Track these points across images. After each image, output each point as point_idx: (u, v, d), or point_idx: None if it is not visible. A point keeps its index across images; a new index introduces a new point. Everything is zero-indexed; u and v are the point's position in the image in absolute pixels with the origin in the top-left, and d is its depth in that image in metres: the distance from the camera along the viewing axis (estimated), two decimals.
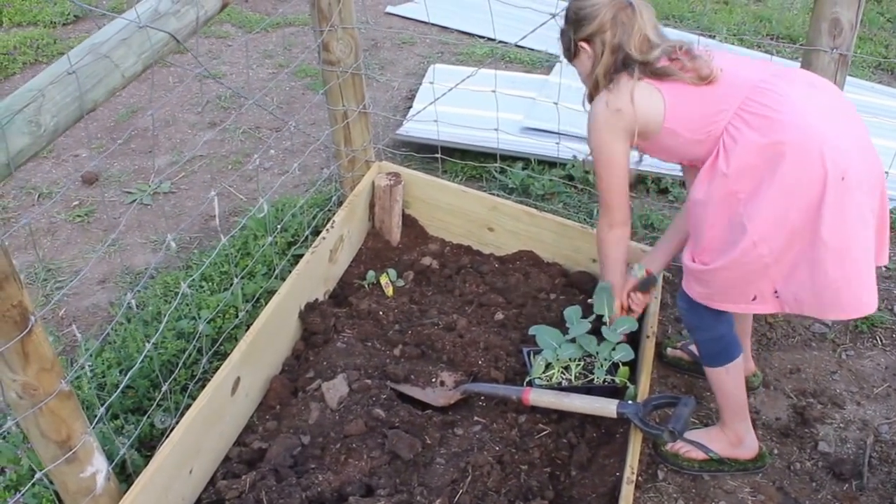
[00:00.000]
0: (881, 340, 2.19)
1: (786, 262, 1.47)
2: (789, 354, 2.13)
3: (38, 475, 1.38)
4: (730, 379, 1.70)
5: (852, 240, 1.44)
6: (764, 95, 1.48)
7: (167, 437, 1.59)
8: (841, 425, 1.94)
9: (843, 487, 1.79)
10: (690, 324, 1.73)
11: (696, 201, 1.54)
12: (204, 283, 2.31)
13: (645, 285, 1.87)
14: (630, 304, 1.89)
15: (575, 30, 1.61)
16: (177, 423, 1.63)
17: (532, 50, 3.74)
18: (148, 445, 1.80)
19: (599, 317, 1.90)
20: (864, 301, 1.49)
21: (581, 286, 2.21)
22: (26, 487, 1.61)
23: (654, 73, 1.55)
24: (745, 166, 1.46)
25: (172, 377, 1.90)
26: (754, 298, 1.53)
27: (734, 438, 1.77)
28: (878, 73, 3.77)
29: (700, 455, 1.79)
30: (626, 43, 1.56)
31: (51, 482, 1.46)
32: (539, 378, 1.85)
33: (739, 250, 1.47)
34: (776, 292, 1.51)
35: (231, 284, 2.24)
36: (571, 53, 1.66)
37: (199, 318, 2.10)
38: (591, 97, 1.68)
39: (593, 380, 1.85)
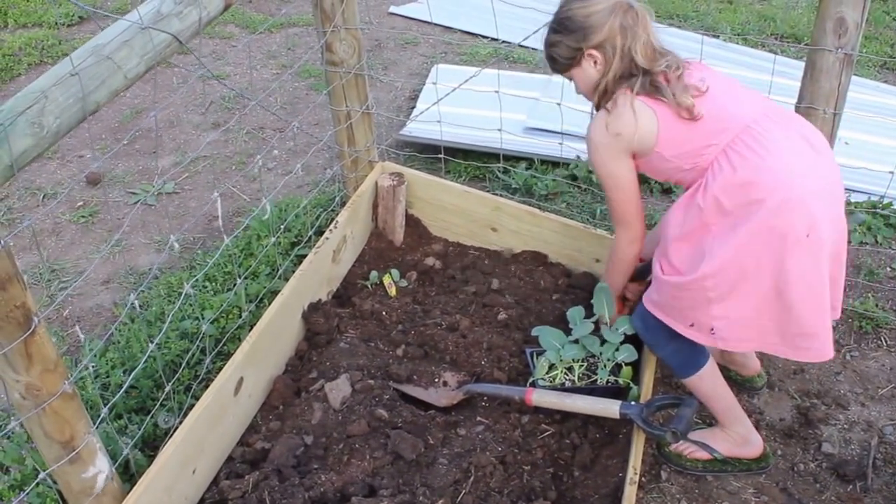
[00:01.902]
0: (886, 341, 2.18)
1: (729, 301, 1.51)
2: None
3: (41, 475, 1.39)
4: (705, 385, 1.72)
5: (820, 294, 1.50)
6: (753, 138, 1.50)
7: (170, 437, 1.59)
8: (845, 426, 1.93)
9: (847, 489, 1.78)
10: (648, 342, 1.78)
11: (672, 222, 1.58)
12: (207, 284, 2.32)
13: (640, 274, 1.88)
14: (626, 294, 1.91)
15: (583, 38, 1.56)
16: (180, 423, 1.63)
17: (535, 50, 3.73)
18: (151, 445, 1.81)
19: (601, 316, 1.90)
20: (824, 351, 1.56)
21: (584, 286, 2.20)
22: (30, 487, 1.62)
23: (652, 87, 1.54)
24: (720, 204, 1.49)
25: (176, 377, 1.90)
26: (692, 325, 1.58)
27: (738, 437, 1.77)
28: (884, 73, 3.75)
29: (704, 455, 1.78)
30: (633, 48, 1.55)
31: (54, 482, 1.46)
32: (542, 379, 1.85)
33: (689, 279, 1.53)
34: (712, 330, 1.56)
35: (234, 285, 2.25)
36: (573, 62, 1.61)
37: (203, 318, 2.10)
38: (598, 106, 1.65)
39: (596, 380, 1.85)
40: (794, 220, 1.44)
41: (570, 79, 1.67)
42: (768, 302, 1.50)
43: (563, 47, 1.60)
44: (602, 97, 1.61)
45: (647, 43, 1.56)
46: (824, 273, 1.50)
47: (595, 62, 1.59)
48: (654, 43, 1.57)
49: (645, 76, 1.55)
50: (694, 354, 1.71)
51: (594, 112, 1.70)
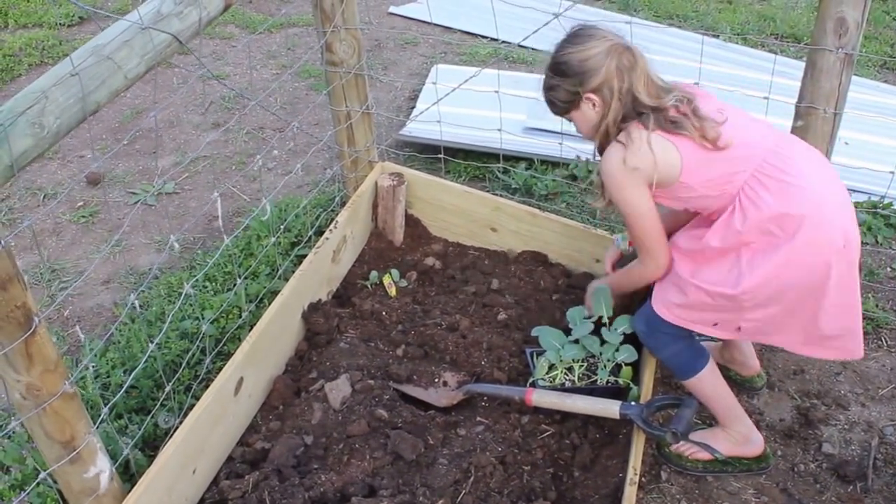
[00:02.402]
0: (886, 342, 2.18)
1: (765, 310, 1.56)
2: (793, 355, 2.12)
3: (42, 475, 1.39)
4: (705, 386, 1.73)
5: (852, 296, 1.56)
6: (781, 161, 1.54)
7: (170, 437, 1.59)
8: (845, 427, 1.93)
9: (847, 489, 1.78)
10: (649, 345, 1.79)
11: (710, 247, 1.58)
12: (207, 284, 2.32)
13: (629, 260, 1.89)
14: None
15: (580, 82, 1.55)
16: (180, 423, 1.63)
17: (535, 50, 3.73)
18: (151, 445, 1.81)
19: (601, 317, 1.90)
20: (858, 349, 1.62)
21: (584, 287, 2.19)
22: (31, 487, 1.62)
23: (668, 122, 1.53)
24: (761, 227, 1.52)
25: (176, 377, 1.90)
26: (715, 324, 1.61)
27: (739, 437, 1.77)
28: (884, 72, 3.75)
29: (705, 456, 1.78)
30: (634, 87, 1.54)
31: (55, 482, 1.46)
32: (542, 379, 1.85)
33: (726, 293, 1.55)
34: (739, 329, 1.60)
35: (234, 285, 2.24)
36: (571, 105, 1.61)
37: (203, 318, 2.10)
38: (601, 147, 1.64)
39: (596, 381, 1.85)
40: (833, 233, 1.50)
41: (570, 120, 1.66)
42: (802, 308, 1.55)
43: (561, 91, 1.60)
44: (604, 139, 1.61)
45: (649, 81, 1.56)
46: (856, 276, 1.55)
47: (594, 105, 1.57)
48: (655, 80, 1.57)
49: (656, 112, 1.53)
50: (694, 357, 1.72)
51: (596, 153, 1.69)
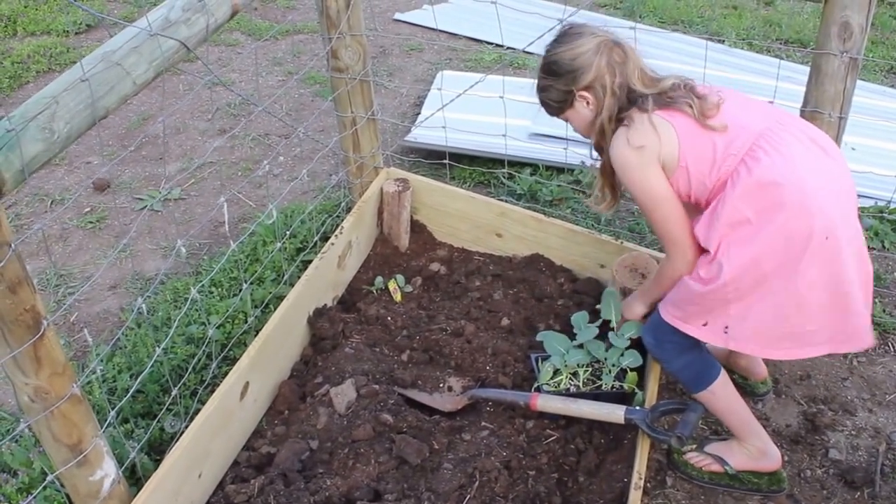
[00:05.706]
0: (893, 347, 2.17)
1: (747, 302, 1.50)
2: (800, 360, 2.11)
3: (49, 478, 1.40)
4: (718, 399, 1.68)
5: (828, 293, 1.49)
6: (768, 143, 1.48)
7: (177, 441, 1.60)
8: (852, 432, 1.92)
9: (854, 495, 1.77)
10: (658, 357, 1.75)
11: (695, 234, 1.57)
12: (213, 289, 2.33)
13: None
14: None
15: (572, 80, 1.55)
16: (186, 427, 1.64)
17: (540, 56, 3.74)
18: (157, 449, 1.81)
19: (606, 322, 1.90)
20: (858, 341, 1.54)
21: (589, 292, 2.20)
22: (38, 490, 1.63)
23: (666, 99, 1.52)
24: (739, 212, 1.48)
25: (182, 382, 1.91)
26: (705, 324, 1.56)
27: (754, 451, 1.74)
28: (891, 77, 3.74)
29: (715, 468, 1.76)
30: (629, 81, 1.54)
31: (62, 485, 1.47)
32: (547, 384, 1.85)
33: (711, 288, 1.51)
34: (726, 329, 1.54)
35: (240, 290, 2.26)
36: (565, 104, 1.60)
37: (209, 323, 2.11)
38: (598, 146, 1.64)
39: (601, 385, 1.85)
40: (813, 224, 1.43)
41: (566, 120, 1.66)
42: (786, 303, 1.48)
43: (554, 91, 1.60)
44: (600, 136, 1.60)
45: (643, 74, 1.56)
46: (841, 273, 1.48)
47: (587, 102, 1.57)
48: (648, 72, 1.57)
49: (654, 96, 1.53)
50: (705, 369, 1.67)
51: (592, 153, 1.69)
